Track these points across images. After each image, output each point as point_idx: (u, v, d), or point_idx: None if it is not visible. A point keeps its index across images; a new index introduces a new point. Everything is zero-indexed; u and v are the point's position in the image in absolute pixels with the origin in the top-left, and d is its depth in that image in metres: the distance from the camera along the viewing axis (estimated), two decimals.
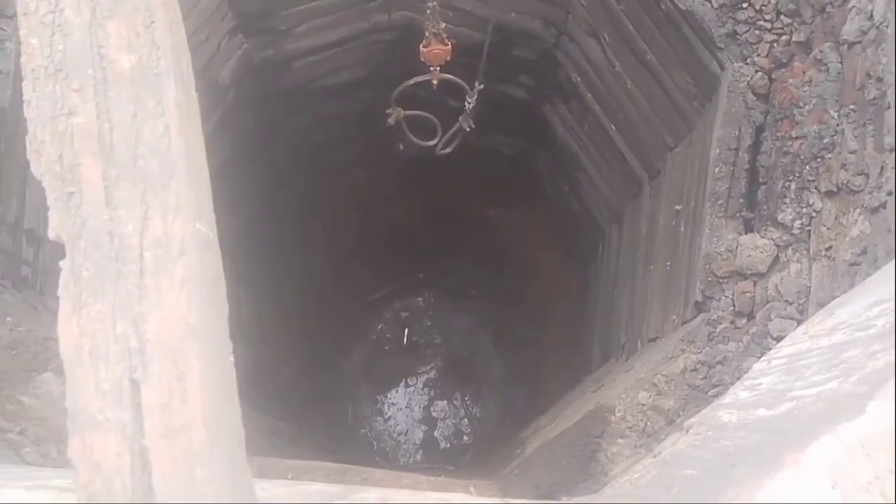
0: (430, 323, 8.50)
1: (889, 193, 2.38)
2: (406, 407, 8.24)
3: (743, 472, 0.94)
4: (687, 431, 1.49)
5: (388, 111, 3.88)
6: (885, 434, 0.87)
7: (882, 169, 2.44)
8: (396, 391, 8.24)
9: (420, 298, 8.51)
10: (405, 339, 8.39)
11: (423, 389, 8.32)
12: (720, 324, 3.04)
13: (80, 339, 0.73)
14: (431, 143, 4.21)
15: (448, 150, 4.22)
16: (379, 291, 8.31)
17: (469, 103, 3.81)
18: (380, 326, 8.46)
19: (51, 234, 0.78)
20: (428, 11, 3.31)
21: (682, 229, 3.81)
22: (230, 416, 0.74)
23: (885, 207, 2.40)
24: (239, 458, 0.73)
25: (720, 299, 3.09)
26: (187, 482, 0.70)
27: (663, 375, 2.95)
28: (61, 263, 0.77)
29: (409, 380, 8.36)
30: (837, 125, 2.76)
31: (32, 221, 3.32)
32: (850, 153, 2.63)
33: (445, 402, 8.29)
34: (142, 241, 0.75)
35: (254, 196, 5.38)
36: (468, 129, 4.03)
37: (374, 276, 8.04)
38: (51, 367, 2.74)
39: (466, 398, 8.27)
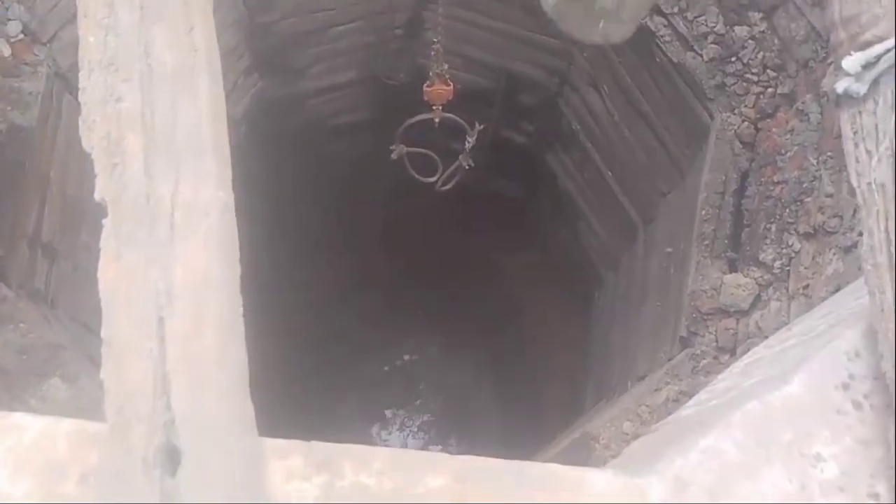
0: (427, 368, 8.49)
1: (860, 234, 2.51)
2: None
3: (683, 440, 1.07)
4: (654, 432, 1.61)
5: (391, 147, 4.08)
6: (806, 398, 1.00)
7: (854, 211, 2.59)
8: (392, 436, 8.19)
9: (419, 342, 8.52)
10: (402, 384, 8.38)
11: (419, 434, 8.28)
12: (703, 358, 3.15)
13: (117, 282, 0.87)
14: (432, 179, 4.39)
15: (448, 186, 4.40)
16: (377, 333, 8.35)
17: (469, 142, 4.01)
18: (377, 370, 8.44)
19: (96, 196, 0.92)
20: (432, 53, 3.53)
21: (672, 270, 3.95)
22: (238, 350, 0.87)
23: (856, 247, 2.54)
24: (242, 386, 0.86)
25: (704, 335, 3.22)
26: (199, 401, 0.83)
27: (647, 406, 3.05)
28: (104, 221, 0.91)
29: (406, 426, 8.31)
30: (816, 171, 2.93)
31: (49, 236, 3.48)
32: (827, 197, 2.79)
33: (440, 447, 8.24)
34: (173, 203, 0.90)
35: (259, 230, 5.54)
36: (467, 167, 4.22)
37: (372, 318, 8.10)
38: (58, 373, 2.86)
39: (463, 445, 8.22)
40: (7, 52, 3.49)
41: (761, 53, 3.47)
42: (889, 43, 1.06)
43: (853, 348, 1.04)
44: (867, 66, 1.08)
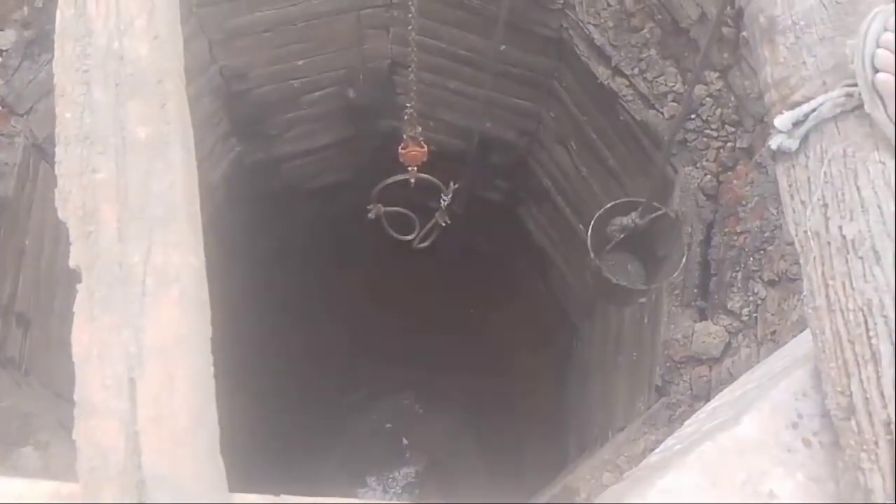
0: (409, 425, 8.40)
1: None
2: None
3: (644, 483, 1.10)
4: (624, 480, 1.64)
5: (368, 207, 4.16)
6: (757, 438, 1.05)
7: None
8: (374, 495, 8.04)
9: (399, 399, 8.45)
10: (384, 442, 8.27)
11: (402, 495, 8.13)
12: (679, 407, 3.19)
13: (91, 345, 0.90)
14: (409, 237, 4.46)
15: (425, 244, 4.47)
16: (357, 393, 8.27)
17: (444, 201, 4.10)
18: (358, 429, 8.33)
19: (71, 263, 0.96)
20: (405, 117, 3.65)
21: (646, 320, 4.01)
22: (208, 410, 0.90)
23: None
24: (213, 445, 0.89)
25: (678, 383, 3.26)
26: (170, 460, 0.85)
27: (626, 457, 3.07)
28: (78, 286, 0.95)
29: (387, 484, 8.18)
30: (777, 220, 3.03)
31: (23, 306, 3.47)
32: (788, 244, 2.88)
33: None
34: (145, 269, 0.94)
35: (238, 294, 5.54)
36: (444, 225, 4.30)
37: (352, 377, 8.04)
38: (31, 442, 2.82)
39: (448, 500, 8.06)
40: None
41: (719, 110, 3.62)
42: (815, 102, 1.15)
43: (801, 388, 1.10)
44: (797, 124, 1.16)
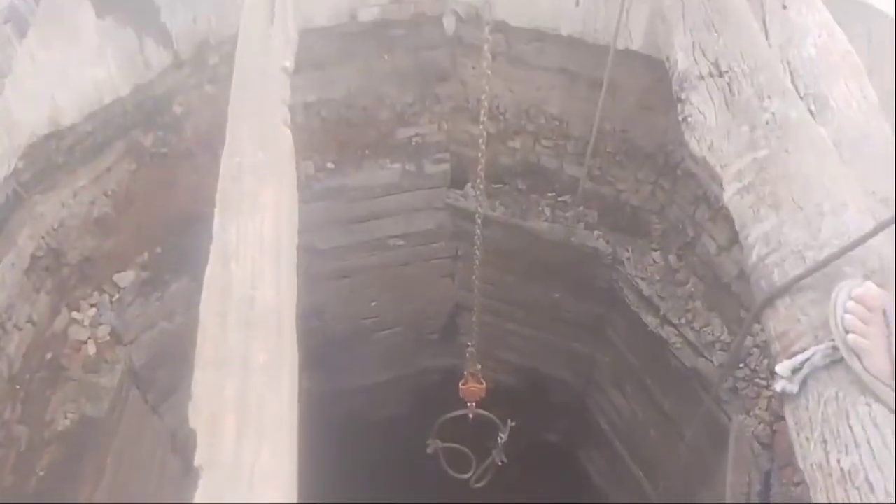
0: None
1: None
2: None
3: None
4: None
5: (427, 442, 4.29)
6: None
7: None
8: None
9: None
10: None
11: None
12: None
13: None
14: (466, 476, 4.50)
15: (482, 483, 4.49)
16: None
17: (501, 439, 4.20)
18: None
19: (195, 462, 1.20)
20: (467, 355, 3.93)
21: None
22: None
23: None
24: None
25: None
26: None
27: None
28: (199, 482, 1.18)
29: None
30: None
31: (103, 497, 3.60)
32: None
33: None
34: (253, 466, 1.17)
35: None
36: (500, 464, 4.35)
37: None
38: None
39: None
40: (93, 350, 3.97)
41: (766, 360, 3.78)
42: (809, 353, 1.37)
43: None
44: (796, 371, 1.38)
